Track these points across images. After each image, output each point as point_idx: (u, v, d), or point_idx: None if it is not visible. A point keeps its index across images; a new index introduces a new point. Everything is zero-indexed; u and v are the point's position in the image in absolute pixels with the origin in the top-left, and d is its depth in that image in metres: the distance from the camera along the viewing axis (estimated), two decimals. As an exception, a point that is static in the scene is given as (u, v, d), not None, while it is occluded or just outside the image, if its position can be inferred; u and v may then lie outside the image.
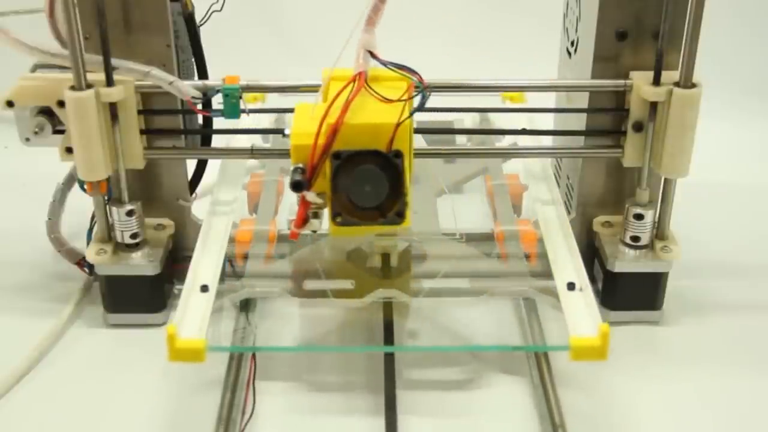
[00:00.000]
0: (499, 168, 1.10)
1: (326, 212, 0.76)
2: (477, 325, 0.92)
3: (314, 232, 0.79)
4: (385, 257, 0.91)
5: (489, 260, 0.94)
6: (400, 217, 0.75)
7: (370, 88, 0.76)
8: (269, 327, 0.92)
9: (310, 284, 0.89)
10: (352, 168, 0.73)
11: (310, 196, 0.74)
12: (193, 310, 0.79)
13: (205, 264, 0.86)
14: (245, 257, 0.93)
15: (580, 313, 0.79)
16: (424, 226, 0.96)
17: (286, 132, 0.76)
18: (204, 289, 0.82)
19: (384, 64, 0.77)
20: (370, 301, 0.87)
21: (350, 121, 0.72)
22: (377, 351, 0.86)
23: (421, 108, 0.75)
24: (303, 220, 0.76)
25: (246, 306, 0.92)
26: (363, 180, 0.73)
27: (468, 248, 0.94)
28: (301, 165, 0.74)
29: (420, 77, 0.77)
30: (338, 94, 0.74)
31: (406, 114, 0.73)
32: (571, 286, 0.82)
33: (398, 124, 0.72)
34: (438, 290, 0.89)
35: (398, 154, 0.73)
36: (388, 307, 0.89)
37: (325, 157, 0.73)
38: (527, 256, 0.94)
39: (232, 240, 0.93)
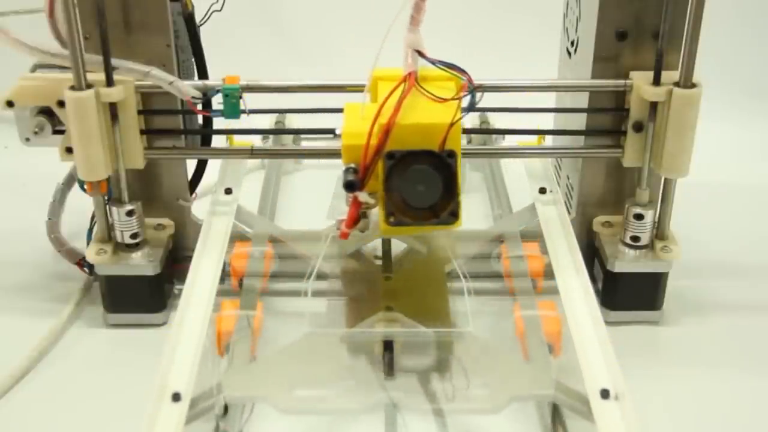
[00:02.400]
0: (516, 237, 0.98)
1: (374, 212, 0.76)
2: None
3: (362, 231, 0.78)
4: (388, 346, 0.82)
5: (507, 357, 0.83)
6: (454, 216, 0.75)
7: (422, 87, 0.75)
8: None
9: (300, 392, 0.78)
10: (405, 168, 0.73)
11: (363, 196, 0.74)
12: (163, 426, 0.68)
13: (177, 366, 0.74)
14: (227, 349, 0.82)
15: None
16: (433, 315, 0.86)
17: (337, 132, 0.76)
18: (176, 398, 0.71)
19: (433, 63, 0.76)
20: (370, 407, 0.78)
21: (402, 121, 0.72)
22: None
23: (472, 108, 0.75)
24: (354, 220, 0.76)
25: (226, 410, 0.78)
26: (417, 180, 0.73)
27: (483, 341, 0.83)
28: (353, 165, 0.73)
29: (469, 77, 0.76)
30: (390, 95, 0.73)
31: (458, 114, 0.73)
32: (605, 394, 0.72)
33: (452, 124, 0.72)
34: (450, 394, 0.79)
35: (451, 154, 0.73)
36: (391, 412, 0.79)
37: (378, 157, 0.72)
38: (551, 349, 0.82)
39: (212, 324, 0.81)
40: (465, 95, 0.75)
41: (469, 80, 0.76)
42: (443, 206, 0.74)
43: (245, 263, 0.94)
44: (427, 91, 0.75)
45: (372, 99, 0.79)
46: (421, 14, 0.76)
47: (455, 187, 0.74)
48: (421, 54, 0.76)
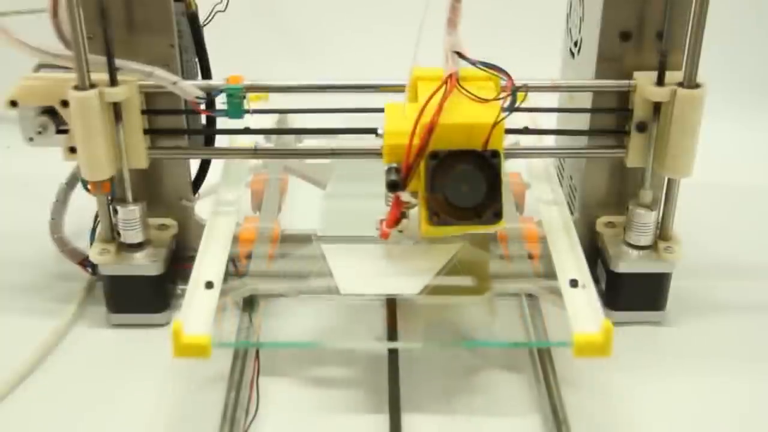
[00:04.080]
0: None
1: (413, 212, 0.77)
2: (480, 323, 0.90)
3: (400, 231, 0.79)
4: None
5: (492, 260, 0.92)
6: (497, 217, 0.75)
7: (464, 88, 0.76)
8: (272, 325, 0.91)
9: (314, 282, 0.86)
10: (449, 168, 0.73)
11: (405, 195, 0.75)
12: (198, 307, 0.78)
13: (209, 261, 0.85)
14: (248, 256, 0.92)
15: (582, 309, 0.78)
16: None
17: (379, 132, 0.77)
18: (209, 285, 0.81)
19: (473, 63, 0.77)
20: (373, 296, 0.86)
21: (445, 121, 0.73)
22: (380, 348, 0.86)
23: (513, 108, 0.75)
24: (396, 220, 0.77)
25: (249, 305, 0.90)
26: (461, 180, 0.74)
27: (472, 248, 0.90)
28: (395, 165, 0.74)
29: (510, 77, 0.77)
30: (432, 96, 0.74)
31: (500, 114, 0.73)
32: (573, 283, 0.82)
33: (495, 124, 0.72)
34: (442, 288, 0.85)
35: (495, 154, 0.73)
36: (391, 304, 0.87)
37: (421, 157, 0.73)
38: (530, 256, 0.92)
39: (235, 238, 0.91)
40: (507, 95, 0.76)
41: (510, 80, 0.76)
42: (486, 206, 0.75)
43: (263, 186, 1.02)
44: (470, 92, 0.75)
45: (411, 99, 0.80)
46: (458, 15, 0.76)
47: (499, 188, 0.74)
48: (461, 55, 0.77)
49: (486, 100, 0.75)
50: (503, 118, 0.73)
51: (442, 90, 0.75)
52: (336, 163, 1.04)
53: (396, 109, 0.78)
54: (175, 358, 0.73)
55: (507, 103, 0.75)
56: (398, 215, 0.78)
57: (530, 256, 0.92)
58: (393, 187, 0.74)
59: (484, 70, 0.78)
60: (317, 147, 1.01)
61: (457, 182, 0.74)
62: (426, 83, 0.78)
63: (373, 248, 0.87)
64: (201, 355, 0.73)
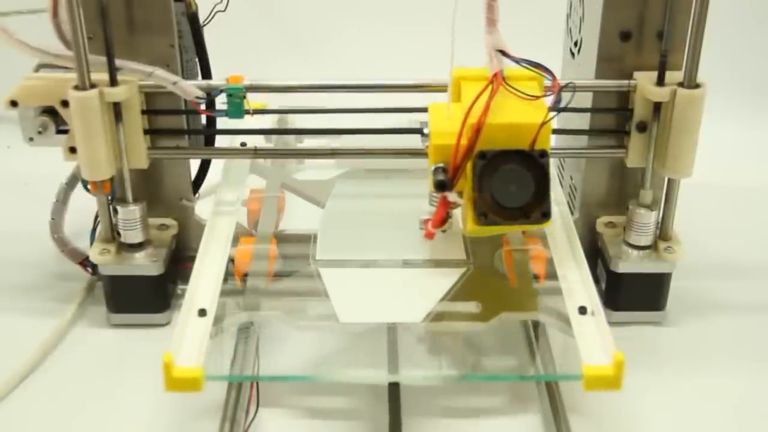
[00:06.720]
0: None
1: (457, 212, 0.77)
2: (486, 350, 0.86)
3: (444, 231, 0.79)
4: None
5: (498, 285, 0.87)
6: (546, 217, 0.75)
7: (510, 86, 0.75)
8: (270, 350, 0.86)
9: (312, 308, 0.83)
10: (497, 168, 0.73)
11: (452, 196, 0.75)
12: (191, 336, 0.74)
13: (203, 284, 0.81)
14: (245, 278, 0.88)
15: (592, 339, 0.75)
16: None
17: (425, 132, 0.76)
18: (202, 313, 0.77)
19: (517, 62, 0.77)
20: (374, 324, 0.82)
21: (492, 120, 0.72)
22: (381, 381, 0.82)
23: (560, 108, 0.75)
24: (442, 220, 0.77)
25: (245, 330, 0.85)
26: (509, 180, 0.74)
27: (477, 273, 0.86)
28: (441, 165, 0.74)
29: (554, 76, 0.76)
30: (478, 96, 0.73)
31: (547, 113, 0.73)
32: (582, 311, 0.78)
33: (543, 123, 0.72)
34: (445, 314, 0.81)
35: (543, 154, 0.73)
36: (392, 331, 0.84)
37: (469, 157, 0.73)
38: (536, 278, 0.88)
39: (231, 260, 0.87)
40: (553, 94, 0.75)
41: (555, 79, 0.76)
42: (534, 206, 0.75)
43: (259, 205, 0.99)
44: (519, 90, 0.75)
45: (454, 99, 0.79)
46: (495, 13, 0.76)
47: (547, 187, 0.74)
48: (504, 53, 0.76)
49: (535, 97, 0.74)
50: (551, 118, 0.73)
51: (488, 89, 0.74)
52: (334, 181, 1.02)
53: (440, 109, 0.77)
54: (167, 392, 0.70)
55: (552, 102, 0.75)
56: (444, 215, 0.77)
57: (536, 278, 0.88)
58: (441, 187, 0.74)
59: (529, 69, 0.77)
60: (317, 147, 1.01)
61: (504, 182, 0.73)
62: (470, 83, 0.77)
63: (374, 273, 0.86)
64: (193, 389, 0.70)
